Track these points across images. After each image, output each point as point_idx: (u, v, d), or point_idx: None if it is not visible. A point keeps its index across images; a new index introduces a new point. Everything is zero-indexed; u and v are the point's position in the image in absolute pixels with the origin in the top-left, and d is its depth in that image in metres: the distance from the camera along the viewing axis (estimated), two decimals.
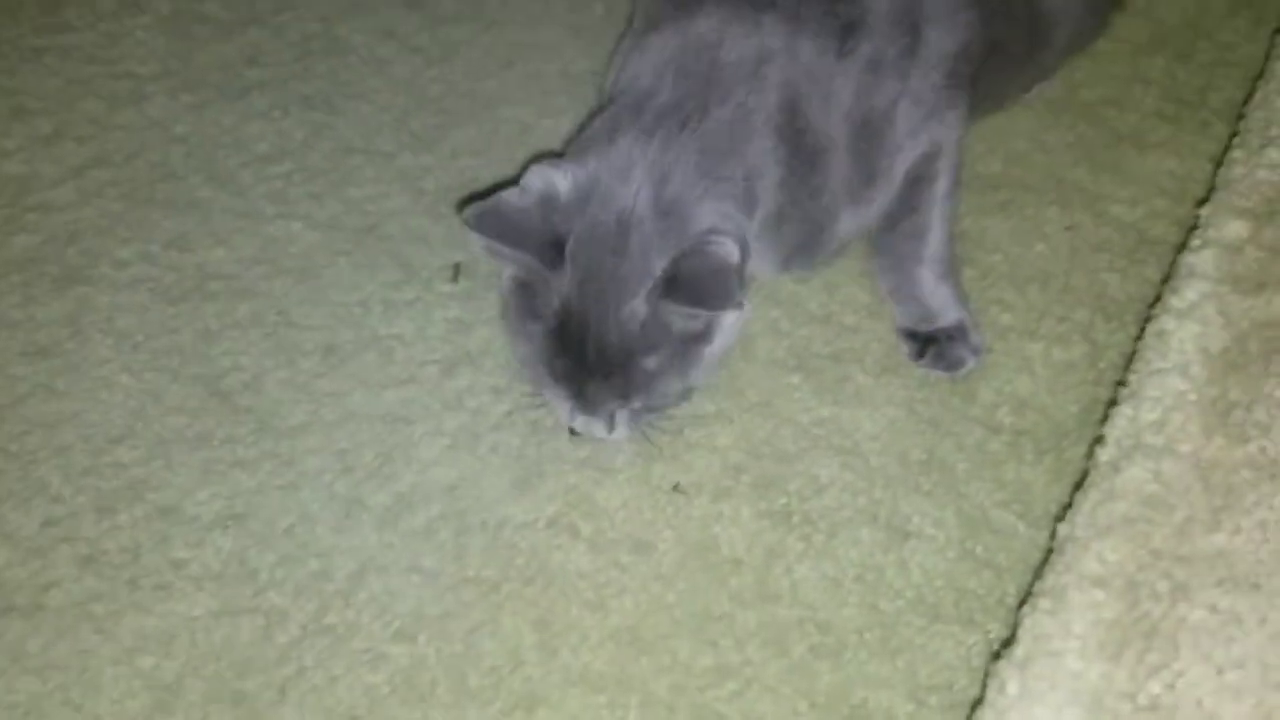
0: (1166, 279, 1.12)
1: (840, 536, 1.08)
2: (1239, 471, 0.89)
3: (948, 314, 1.18)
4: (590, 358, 1.02)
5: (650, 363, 1.03)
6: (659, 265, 1.00)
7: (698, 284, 0.99)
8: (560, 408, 1.10)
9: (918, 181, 1.15)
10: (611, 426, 1.08)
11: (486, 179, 1.35)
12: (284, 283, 1.28)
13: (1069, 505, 1.00)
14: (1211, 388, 0.95)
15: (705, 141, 1.03)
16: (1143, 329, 1.11)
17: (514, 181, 1.06)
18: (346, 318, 1.25)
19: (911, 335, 1.19)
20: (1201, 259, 1.04)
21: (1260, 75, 1.20)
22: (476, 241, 1.01)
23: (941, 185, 1.16)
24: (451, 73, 1.45)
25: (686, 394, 1.10)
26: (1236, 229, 1.04)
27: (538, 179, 1.02)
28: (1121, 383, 1.05)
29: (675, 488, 1.12)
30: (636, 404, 1.06)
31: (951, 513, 1.09)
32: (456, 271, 1.28)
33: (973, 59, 1.13)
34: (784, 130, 1.06)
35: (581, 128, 1.14)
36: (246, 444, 1.16)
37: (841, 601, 1.04)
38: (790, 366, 1.21)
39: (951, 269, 1.19)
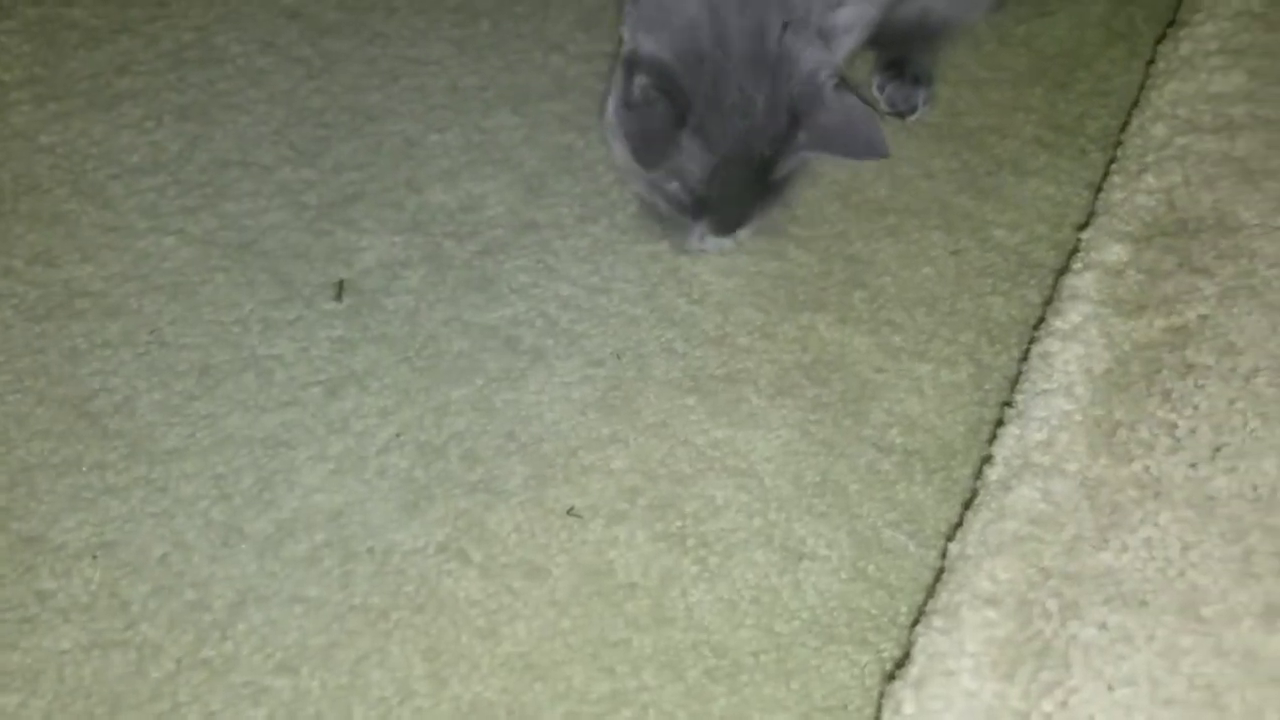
0: (1048, 301, 1.15)
1: (736, 559, 1.07)
2: (1125, 490, 0.91)
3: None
4: (732, 199, 1.18)
5: (779, 179, 1.18)
6: (784, 108, 1.12)
7: (817, 103, 1.12)
8: (691, 238, 1.24)
9: None
10: (739, 237, 1.25)
11: (370, 193, 1.32)
12: (157, 300, 1.22)
13: (958, 524, 1.01)
14: (1096, 408, 0.97)
15: None
16: (1026, 351, 1.13)
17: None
18: (223, 337, 1.20)
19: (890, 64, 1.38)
20: (1084, 281, 1.06)
21: (1136, 104, 1.23)
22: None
23: None
24: (334, 85, 1.40)
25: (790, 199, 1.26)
26: (1117, 252, 1.07)
27: (645, 74, 1.12)
28: (1008, 403, 1.07)
29: (570, 511, 1.10)
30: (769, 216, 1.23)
31: (845, 533, 1.09)
32: (340, 289, 1.24)
33: None
34: None
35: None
36: (117, 469, 1.10)
37: (737, 624, 1.03)
38: (686, 388, 1.20)
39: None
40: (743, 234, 1.25)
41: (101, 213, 1.28)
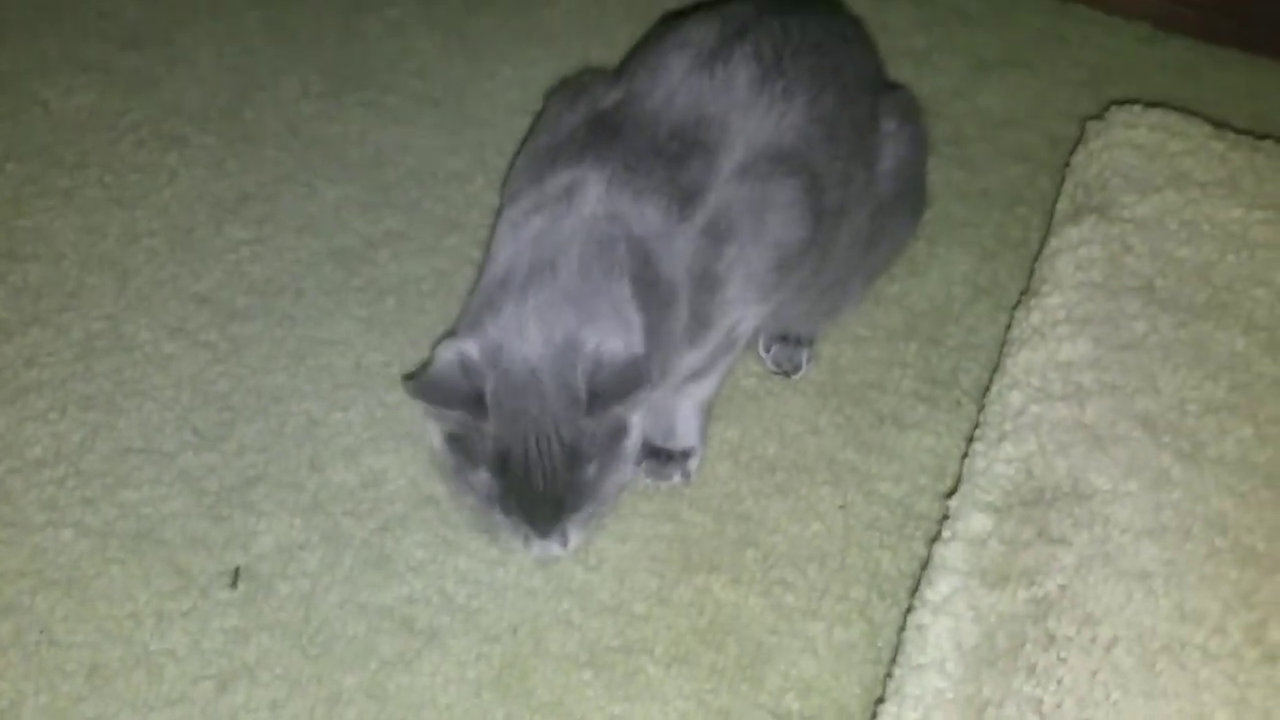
0: (926, 564, 1.18)
1: None
2: None
3: (687, 440, 1.36)
4: (539, 485, 1.13)
5: (590, 471, 1.14)
6: (580, 389, 1.11)
7: (614, 385, 1.12)
8: (515, 541, 1.19)
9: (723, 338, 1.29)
10: (565, 542, 1.18)
11: (271, 474, 1.34)
12: (50, 596, 1.22)
13: None
14: (967, 685, 0.99)
15: (570, 290, 1.14)
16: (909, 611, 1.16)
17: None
18: (115, 633, 1.20)
19: (650, 448, 1.34)
20: (952, 552, 1.10)
21: (996, 369, 1.30)
22: (421, 409, 1.16)
23: (737, 349, 1.31)
24: (240, 368, 1.44)
25: (620, 489, 1.22)
26: (981, 522, 1.11)
27: (450, 351, 1.15)
28: (889, 674, 1.09)
29: None
30: (585, 512, 1.17)
31: None
32: (236, 575, 1.25)
33: (800, 258, 1.25)
34: (639, 279, 1.16)
35: (465, 309, 1.22)
36: None
37: None
38: (582, 661, 1.21)
39: (708, 409, 1.37)
40: (572, 540, 1.19)
41: None
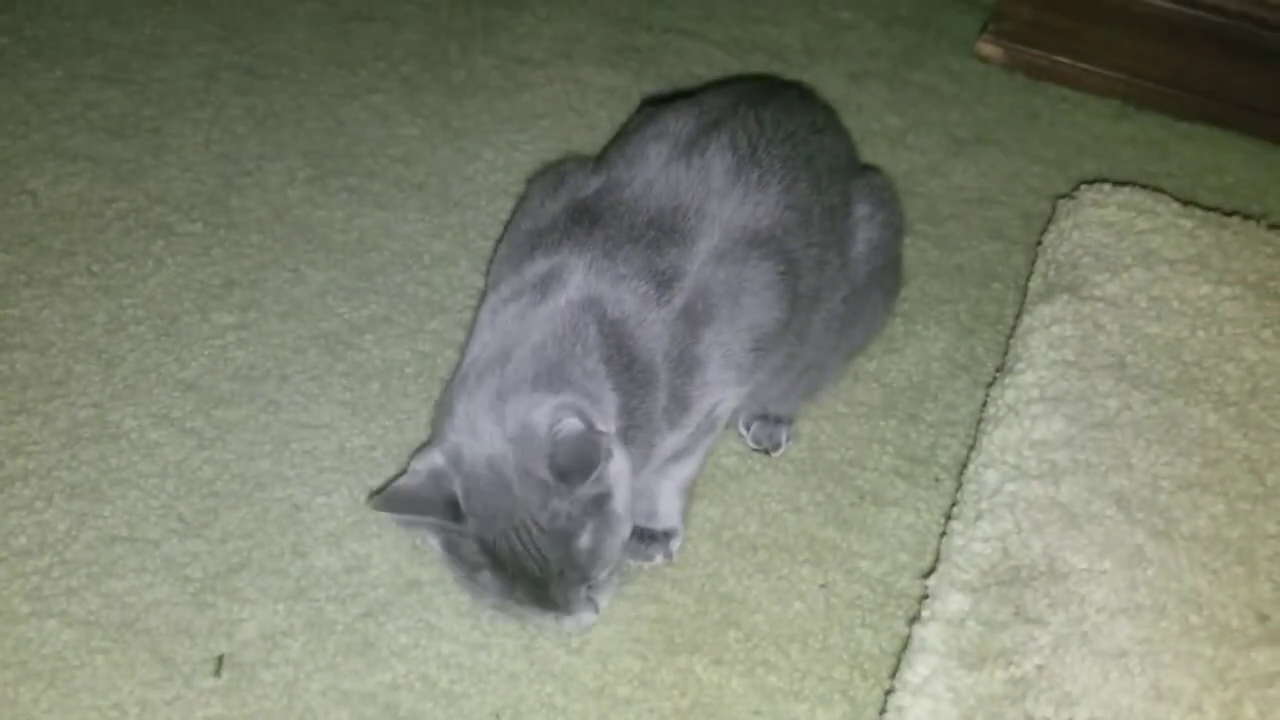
0: (906, 643, 1.18)
1: None
2: None
3: (669, 520, 1.37)
4: (536, 573, 1.15)
5: (583, 542, 1.16)
6: (542, 473, 1.13)
7: (571, 462, 1.12)
8: (547, 625, 1.24)
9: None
10: (595, 606, 1.22)
11: (255, 560, 1.35)
12: (34, 688, 1.22)
13: None
14: None
15: (521, 377, 1.15)
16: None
17: None
18: None
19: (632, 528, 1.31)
20: (930, 633, 1.11)
21: (973, 447, 1.32)
22: (390, 520, 1.19)
23: (717, 430, 1.32)
24: (224, 454, 1.45)
25: (625, 545, 1.22)
26: (958, 602, 1.12)
27: (421, 462, 1.19)
28: None
29: None
30: (597, 578, 1.19)
31: None
32: (219, 664, 1.25)
33: (777, 339, 1.27)
34: (613, 360, 1.18)
35: (437, 406, 1.26)
36: None
37: None
38: None
39: (689, 489, 1.38)
40: (602, 602, 1.24)
41: None
